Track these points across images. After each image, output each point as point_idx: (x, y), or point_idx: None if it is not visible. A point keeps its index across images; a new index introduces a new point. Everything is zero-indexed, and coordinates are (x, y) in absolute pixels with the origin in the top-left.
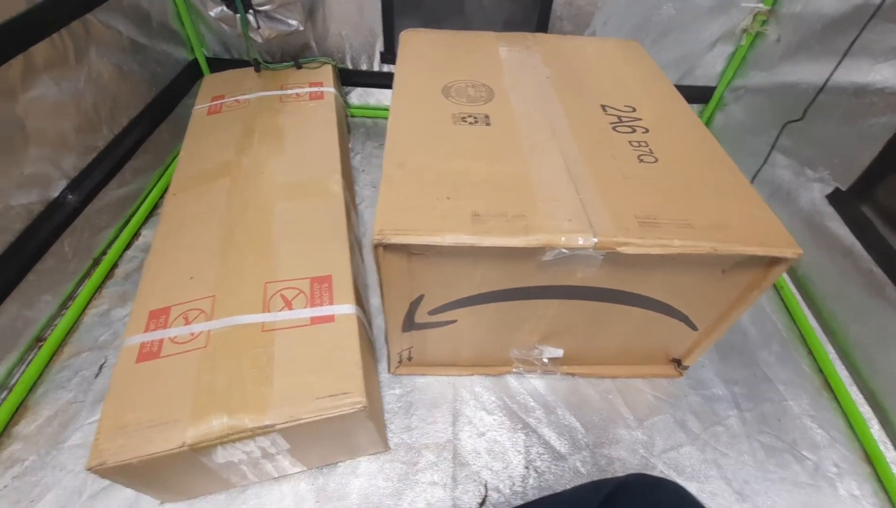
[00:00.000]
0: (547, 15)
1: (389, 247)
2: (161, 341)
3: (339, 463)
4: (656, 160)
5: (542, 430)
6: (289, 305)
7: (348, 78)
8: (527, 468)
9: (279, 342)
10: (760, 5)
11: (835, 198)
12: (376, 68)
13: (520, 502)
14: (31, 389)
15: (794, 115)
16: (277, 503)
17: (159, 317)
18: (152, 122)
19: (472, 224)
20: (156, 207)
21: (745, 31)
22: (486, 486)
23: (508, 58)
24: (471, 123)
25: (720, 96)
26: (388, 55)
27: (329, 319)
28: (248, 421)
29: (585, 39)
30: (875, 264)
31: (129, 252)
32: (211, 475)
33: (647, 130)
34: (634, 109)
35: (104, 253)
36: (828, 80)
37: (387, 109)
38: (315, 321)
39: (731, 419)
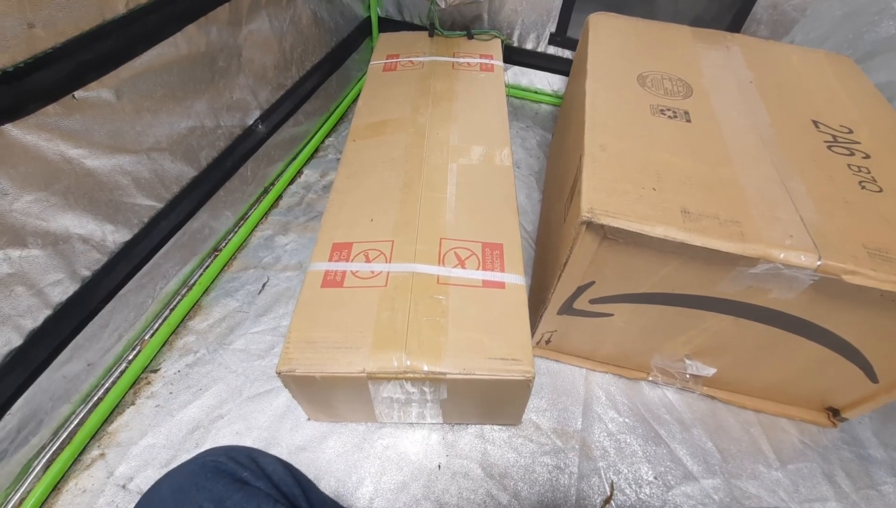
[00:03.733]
0: (744, 16)
1: (591, 226)
2: (344, 272)
3: (469, 426)
4: (881, 190)
5: (675, 445)
6: (462, 264)
7: (509, 56)
8: (656, 478)
9: (453, 296)
10: None
11: None
12: (541, 49)
13: None
14: (206, 291)
15: None
16: (410, 446)
17: (342, 250)
18: (328, 70)
19: (683, 220)
20: (317, 150)
21: None
22: (612, 486)
23: (706, 55)
24: (670, 117)
25: None
26: (559, 37)
27: (500, 285)
28: (425, 365)
29: (791, 47)
30: None
31: (292, 187)
32: (366, 405)
33: (867, 156)
34: (851, 131)
35: (273, 184)
36: None
37: (537, 92)
38: (486, 284)
39: (888, 486)
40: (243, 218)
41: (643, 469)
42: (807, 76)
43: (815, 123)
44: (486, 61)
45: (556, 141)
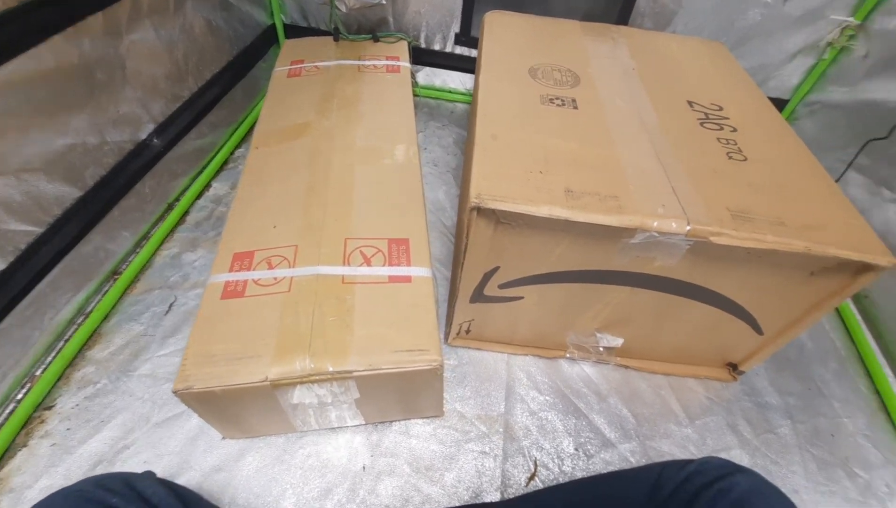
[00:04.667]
0: (629, 10)
1: (482, 212)
2: (245, 281)
3: (394, 423)
4: (745, 159)
5: (593, 416)
6: (367, 261)
7: (418, 57)
8: (576, 450)
9: (359, 294)
10: (851, 19)
11: None
12: (448, 49)
13: (567, 480)
14: (105, 318)
15: (877, 133)
16: (333, 452)
17: (244, 260)
18: (231, 79)
19: (566, 199)
20: (226, 162)
21: (829, 44)
22: (535, 462)
23: (593, 47)
24: (558, 105)
25: (792, 110)
26: (463, 37)
27: (406, 279)
28: (329, 365)
29: (670, 36)
30: None
31: (200, 201)
32: (279, 415)
33: (734, 130)
34: (721, 108)
35: (178, 199)
36: None
37: (451, 92)
38: (393, 279)
39: (784, 428)
40: (145, 237)
41: (564, 442)
42: (684, 61)
43: (690, 102)
44: (393, 63)
45: (468, 139)
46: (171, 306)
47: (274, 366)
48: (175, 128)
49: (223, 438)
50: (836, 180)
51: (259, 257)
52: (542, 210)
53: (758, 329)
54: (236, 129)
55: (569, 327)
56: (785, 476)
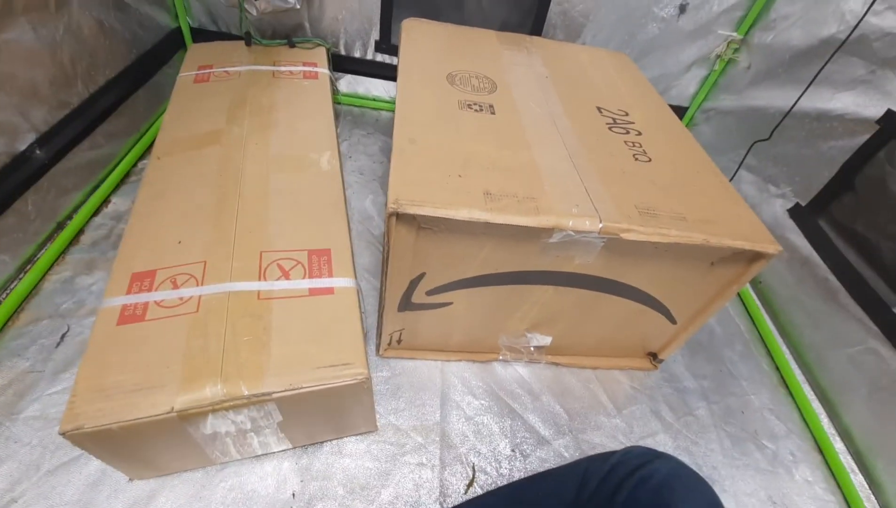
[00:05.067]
0: (542, 21)
1: (402, 218)
2: (146, 304)
3: (325, 443)
4: (650, 160)
5: (528, 416)
6: (286, 275)
7: (339, 64)
8: (513, 451)
9: (277, 310)
10: (734, 34)
11: (795, 212)
12: (369, 57)
13: (505, 483)
14: None
15: (761, 135)
16: (259, 482)
17: (143, 280)
18: (130, 85)
19: (485, 201)
20: (127, 174)
21: (718, 56)
22: (473, 468)
23: (509, 55)
24: (476, 111)
25: (691, 116)
26: (384, 44)
27: (328, 291)
28: (244, 388)
29: (579, 47)
30: (830, 272)
31: (98, 219)
32: (193, 448)
33: (639, 133)
34: (627, 114)
35: (69, 217)
36: (794, 104)
37: (375, 100)
38: (314, 292)
39: (701, 410)
40: (30, 261)
41: (501, 444)
42: (592, 71)
43: (599, 108)
44: (310, 69)
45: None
46: (63, 336)
47: (180, 395)
48: (62, 138)
49: (130, 480)
50: (730, 179)
51: (162, 275)
52: (462, 213)
53: (671, 319)
54: (139, 139)
55: (499, 329)
56: (705, 454)
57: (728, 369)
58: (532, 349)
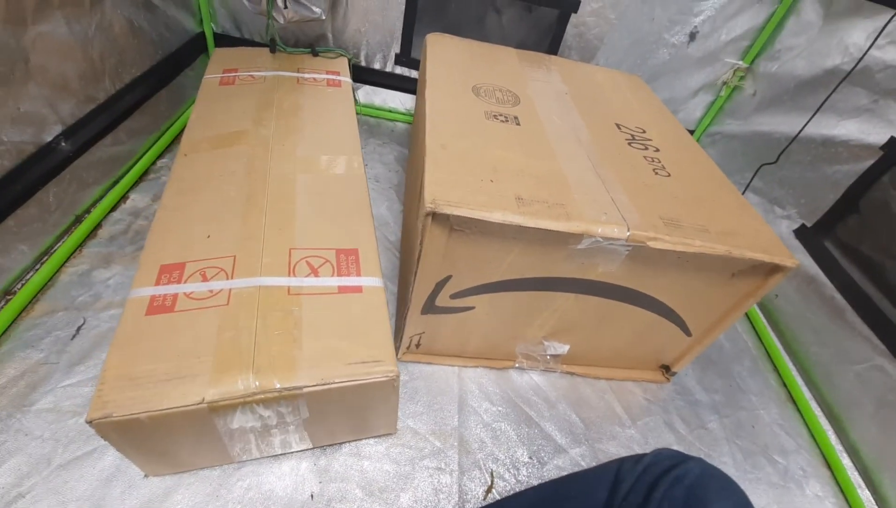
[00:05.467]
0: (558, 42)
1: (437, 218)
2: (175, 295)
3: (343, 445)
4: (669, 175)
5: (544, 424)
6: (315, 272)
7: (359, 75)
8: (531, 458)
9: (307, 306)
10: (741, 62)
11: (801, 233)
12: (388, 69)
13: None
14: None
15: (768, 159)
16: (277, 482)
17: (172, 272)
18: (154, 85)
19: (517, 205)
20: (146, 172)
21: (725, 83)
22: (492, 474)
23: (529, 71)
24: (502, 121)
25: (697, 139)
26: (404, 57)
27: (357, 289)
28: (276, 381)
29: (595, 67)
30: (836, 291)
31: (116, 214)
32: (215, 444)
33: (658, 150)
34: (644, 131)
35: (88, 211)
36: (801, 130)
37: (391, 111)
38: (343, 289)
39: (713, 423)
40: (47, 252)
41: (519, 451)
42: (608, 89)
43: (618, 125)
44: (333, 77)
45: (411, 154)
46: (79, 329)
47: (212, 386)
48: (88, 132)
49: (145, 476)
50: None
51: (191, 268)
52: (496, 216)
53: (686, 331)
54: (159, 137)
55: (518, 336)
56: (718, 467)
57: (738, 384)
58: (548, 357)
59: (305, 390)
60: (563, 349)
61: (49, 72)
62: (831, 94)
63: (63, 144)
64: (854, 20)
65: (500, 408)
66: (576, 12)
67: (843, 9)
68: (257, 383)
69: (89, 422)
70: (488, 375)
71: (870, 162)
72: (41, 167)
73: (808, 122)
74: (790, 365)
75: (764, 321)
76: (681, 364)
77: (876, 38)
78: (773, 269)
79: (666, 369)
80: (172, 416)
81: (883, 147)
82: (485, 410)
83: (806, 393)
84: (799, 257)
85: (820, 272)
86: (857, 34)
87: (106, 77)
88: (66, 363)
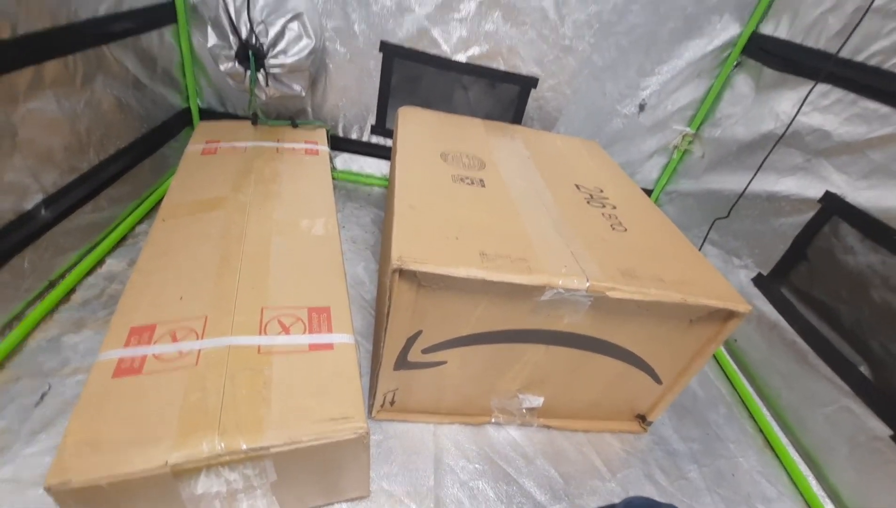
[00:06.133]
0: (521, 114)
1: (404, 275)
2: (143, 357)
3: None
4: (626, 229)
5: (523, 480)
6: (286, 330)
7: (336, 144)
8: None
9: (277, 365)
10: (688, 129)
11: (759, 281)
12: (365, 138)
13: None
14: None
15: (720, 213)
16: None
17: (142, 333)
18: (137, 156)
19: (482, 261)
20: (125, 237)
21: (675, 147)
22: None
23: (494, 139)
24: (468, 184)
25: (656, 198)
26: (379, 128)
27: (328, 346)
28: (242, 443)
29: (555, 135)
30: (797, 335)
31: (91, 279)
32: None
33: (615, 207)
34: (602, 191)
35: (62, 276)
36: (746, 188)
37: (368, 176)
38: (314, 347)
39: (693, 473)
40: (17, 317)
41: None
42: (568, 154)
43: (577, 185)
44: (311, 146)
45: (385, 216)
46: (43, 395)
47: (176, 449)
48: (68, 200)
49: None
50: None
51: (161, 329)
52: (461, 271)
53: (657, 379)
54: (139, 204)
55: (492, 390)
56: None
57: (714, 432)
58: (524, 410)
59: (272, 450)
60: (538, 401)
61: (35, 145)
62: (769, 155)
63: (43, 211)
64: (781, 91)
65: (477, 465)
66: (535, 88)
67: (770, 82)
68: (223, 444)
69: (47, 489)
70: (464, 431)
71: (810, 214)
72: (18, 234)
73: (751, 180)
74: (764, 411)
75: (735, 367)
76: (656, 413)
77: (800, 106)
78: (729, 314)
79: (642, 418)
80: (134, 482)
81: (820, 200)
82: (462, 468)
83: (782, 438)
84: (759, 304)
85: (780, 318)
86: (784, 103)
87: (91, 149)
88: (28, 431)
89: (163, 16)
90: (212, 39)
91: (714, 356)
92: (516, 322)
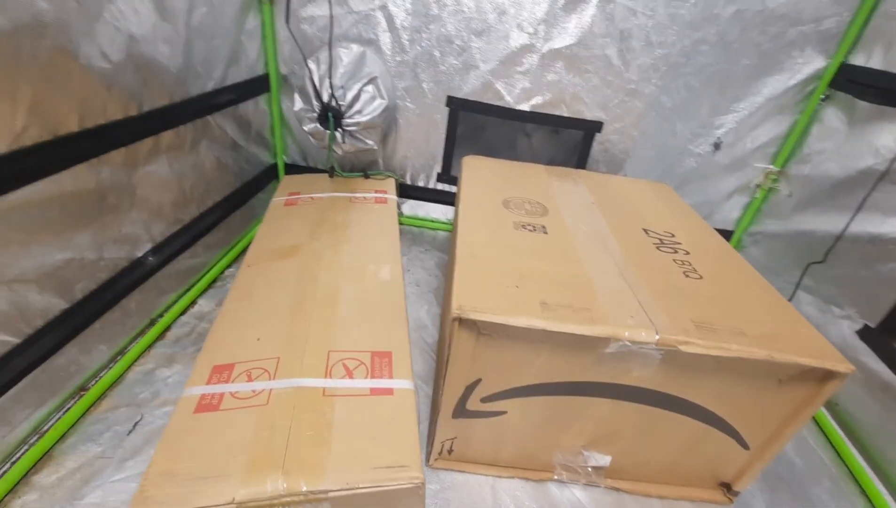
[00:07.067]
0: (586, 157)
1: (464, 323)
2: (222, 394)
3: None
4: (701, 277)
5: None
6: (350, 374)
7: (405, 191)
8: None
9: (339, 407)
10: (771, 167)
11: (865, 334)
12: (431, 185)
13: None
14: (62, 438)
15: (815, 257)
16: None
17: (223, 372)
18: (231, 207)
19: (542, 310)
20: (216, 280)
21: (758, 186)
22: None
23: (557, 184)
24: (530, 231)
25: (738, 239)
26: (444, 176)
27: (388, 391)
28: (303, 485)
29: (622, 178)
30: None
31: (184, 318)
32: None
33: (688, 253)
34: (674, 235)
35: (161, 315)
36: (845, 229)
37: (434, 221)
38: (375, 391)
39: None
40: (121, 352)
41: None
42: (635, 198)
43: (646, 230)
44: (381, 195)
45: (449, 261)
46: (135, 424)
47: (243, 486)
48: (171, 248)
49: None
50: (789, 300)
51: (239, 369)
52: (521, 321)
53: (743, 443)
54: (229, 250)
55: (554, 444)
56: None
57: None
58: (590, 469)
59: (331, 494)
60: (605, 460)
61: (149, 201)
62: (870, 192)
63: (150, 258)
64: (880, 124)
65: None
66: (599, 132)
67: (866, 115)
68: (285, 485)
69: None
70: (525, 487)
71: None
72: (130, 278)
73: (850, 220)
74: (879, 486)
75: (841, 434)
76: (743, 483)
77: None
78: (826, 375)
79: (727, 487)
80: None
81: None
82: None
83: None
84: (867, 361)
85: (894, 377)
86: (885, 136)
87: (193, 203)
88: (119, 457)
89: (258, 86)
90: (298, 104)
91: (815, 420)
92: (580, 374)
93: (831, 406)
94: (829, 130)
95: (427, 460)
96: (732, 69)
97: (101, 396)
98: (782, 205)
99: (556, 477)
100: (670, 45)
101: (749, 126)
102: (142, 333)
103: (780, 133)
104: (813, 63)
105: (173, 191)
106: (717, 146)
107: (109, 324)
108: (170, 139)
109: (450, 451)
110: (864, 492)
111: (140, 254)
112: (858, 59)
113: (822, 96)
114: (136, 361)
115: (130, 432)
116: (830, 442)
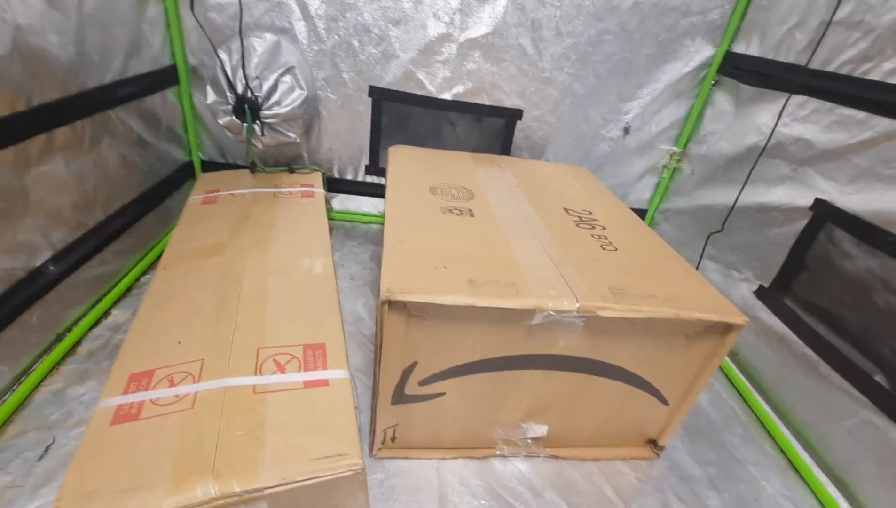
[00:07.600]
0: (509, 144)
1: (394, 306)
2: (141, 403)
3: None
4: (616, 249)
5: None
6: (281, 369)
7: (333, 185)
8: None
9: (272, 404)
10: (675, 148)
11: (761, 293)
12: (360, 178)
13: None
14: None
15: (715, 228)
16: None
17: (141, 380)
18: (142, 210)
19: (470, 288)
20: (130, 288)
21: (664, 166)
22: None
23: (482, 170)
24: (457, 215)
25: (651, 217)
26: (373, 168)
27: (323, 383)
28: (236, 485)
29: (543, 162)
30: (806, 346)
31: (96, 331)
32: None
33: (604, 228)
34: (591, 213)
35: (69, 329)
36: (736, 200)
37: (365, 215)
38: (308, 384)
39: (712, 500)
40: (25, 372)
41: None
42: (556, 180)
43: (566, 209)
44: (307, 189)
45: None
46: (47, 448)
47: (170, 495)
48: (75, 255)
49: None
50: (696, 268)
51: (159, 375)
52: (449, 299)
53: (663, 400)
54: (144, 256)
55: (494, 420)
56: None
57: (732, 454)
58: (529, 440)
59: (267, 491)
60: (542, 430)
61: (45, 205)
62: (754, 166)
63: (51, 267)
64: (760, 105)
65: (483, 501)
66: (520, 120)
67: (749, 97)
68: (216, 488)
69: None
70: (469, 466)
71: (803, 222)
72: (28, 291)
73: (740, 192)
74: (782, 428)
75: (747, 384)
76: (667, 437)
77: (779, 118)
78: (726, 328)
79: (653, 443)
80: None
81: (811, 208)
82: (467, 504)
83: (805, 458)
84: (765, 317)
85: (787, 330)
86: (764, 116)
87: (97, 206)
88: (32, 485)
89: (165, 78)
90: (211, 96)
91: (724, 374)
92: (511, 348)
93: (738, 360)
94: (720, 112)
95: (371, 450)
96: (635, 58)
97: (6, 421)
98: (686, 183)
99: (498, 453)
100: (578, 35)
101: (653, 111)
102: (48, 349)
103: (680, 117)
104: (703, 51)
105: (73, 193)
106: (626, 131)
107: (8, 342)
108: (65, 136)
109: (392, 439)
110: (770, 434)
111: (39, 263)
112: (740, 48)
113: (713, 82)
114: (43, 380)
115: (42, 457)
116: (739, 393)
